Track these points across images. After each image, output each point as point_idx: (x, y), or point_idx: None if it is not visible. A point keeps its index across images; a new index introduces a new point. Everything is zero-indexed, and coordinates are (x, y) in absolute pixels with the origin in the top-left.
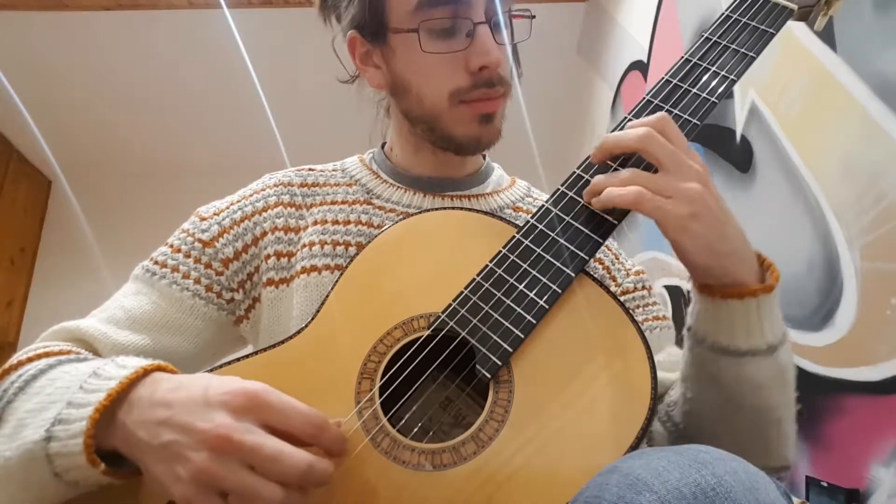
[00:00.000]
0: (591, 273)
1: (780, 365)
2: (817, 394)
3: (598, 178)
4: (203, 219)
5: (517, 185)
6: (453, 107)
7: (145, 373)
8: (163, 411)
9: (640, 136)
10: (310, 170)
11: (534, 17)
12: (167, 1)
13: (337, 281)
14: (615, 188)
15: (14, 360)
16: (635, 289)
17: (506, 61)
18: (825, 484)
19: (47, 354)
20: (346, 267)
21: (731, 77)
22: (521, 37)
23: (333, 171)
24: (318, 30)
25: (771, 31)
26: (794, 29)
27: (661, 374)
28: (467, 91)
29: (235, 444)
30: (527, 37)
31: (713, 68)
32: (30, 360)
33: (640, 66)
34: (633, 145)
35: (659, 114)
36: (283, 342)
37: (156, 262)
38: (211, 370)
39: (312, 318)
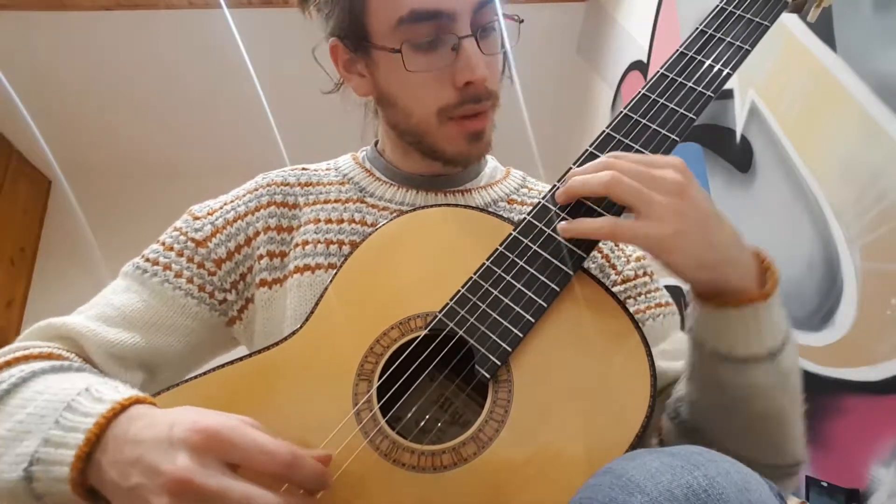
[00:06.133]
0: (591, 262)
1: (782, 370)
2: (817, 394)
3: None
4: (196, 218)
5: (511, 177)
6: (441, 124)
7: (122, 408)
8: (133, 451)
9: (599, 164)
10: (303, 169)
11: (521, 20)
12: (167, 1)
13: (331, 280)
14: (587, 220)
15: None
16: (636, 276)
17: (493, 74)
18: (825, 484)
19: (27, 358)
20: (341, 266)
21: (727, 70)
22: (511, 42)
23: (327, 170)
24: (317, 30)
25: (766, 23)
26: (794, 29)
27: (666, 364)
28: (454, 107)
29: (195, 487)
30: (516, 42)
31: (708, 61)
32: (8, 364)
33: (640, 66)
34: (601, 191)
35: (603, 158)
36: (277, 344)
37: (147, 260)
38: (204, 373)
39: (307, 319)
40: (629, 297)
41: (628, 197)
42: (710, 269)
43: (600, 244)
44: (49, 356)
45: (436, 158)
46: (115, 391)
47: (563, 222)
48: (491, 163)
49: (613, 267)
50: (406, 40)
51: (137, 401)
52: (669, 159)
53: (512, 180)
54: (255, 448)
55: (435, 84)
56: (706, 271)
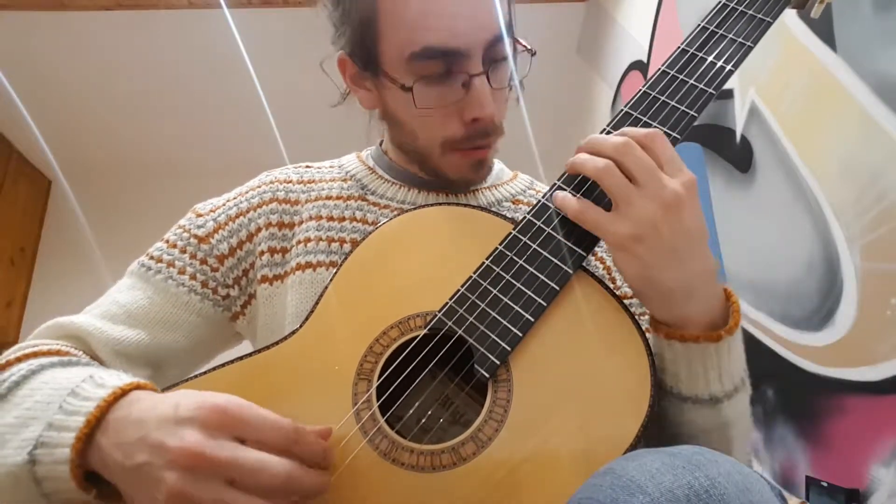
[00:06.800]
0: (591, 271)
1: (722, 418)
2: (817, 394)
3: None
4: (199, 215)
5: (518, 179)
6: (445, 153)
7: (123, 393)
8: (136, 431)
9: (618, 145)
10: (307, 167)
11: (534, 53)
12: (167, 1)
13: (331, 279)
14: (569, 197)
15: (3, 359)
16: (634, 295)
17: (501, 108)
18: (825, 484)
19: (35, 355)
20: (341, 265)
21: (729, 67)
22: (520, 75)
23: (330, 167)
24: (317, 30)
25: (768, 19)
26: (794, 29)
27: None
28: (460, 141)
29: (208, 460)
30: (526, 75)
31: (710, 58)
32: (18, 360)
33: (640, 66)
34: (610, 154)
35: (649, 129)
36: (278, 343)
37: (151, 258)
38: (203, 372)
39: (307, 318)
40: None
41: (612, 188)
42: (656, 288)
43: (602, 255)
44: (57, 353)
45: (437, 178)
46: (118, 378)
47: (559, 191)
48: (497, 165)
49: (613, 281)
50: (417, 76)
51: (138, 386)
52: (686, 172)
53: (519, 182)
54: (262, 422)
55: (442, 116)
56: (650, 288)
